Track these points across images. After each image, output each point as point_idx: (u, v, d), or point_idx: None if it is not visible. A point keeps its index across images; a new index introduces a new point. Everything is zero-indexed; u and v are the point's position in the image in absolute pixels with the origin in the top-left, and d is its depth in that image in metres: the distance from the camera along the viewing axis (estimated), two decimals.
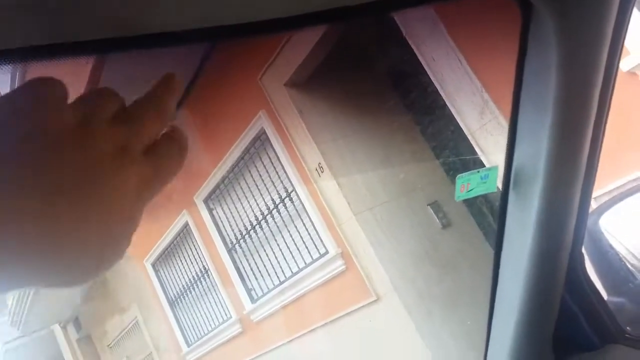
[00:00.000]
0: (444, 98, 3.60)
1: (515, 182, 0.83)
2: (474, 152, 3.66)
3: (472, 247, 4.55)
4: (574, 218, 0.82)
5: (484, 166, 3.67)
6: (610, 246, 0.95)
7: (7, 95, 0.28)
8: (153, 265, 6.94)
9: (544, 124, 0.73)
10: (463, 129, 3.57)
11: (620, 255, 0.94)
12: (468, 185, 0.84)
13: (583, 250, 0.90)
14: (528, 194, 0.81)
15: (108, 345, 9.34)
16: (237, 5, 0.48)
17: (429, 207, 4.61)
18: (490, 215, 4.49)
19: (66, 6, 0.39)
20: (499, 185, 0.88)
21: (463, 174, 0.83)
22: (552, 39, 0.67)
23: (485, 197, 4.38)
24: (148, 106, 0.35)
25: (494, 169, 0.86)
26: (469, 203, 4.62)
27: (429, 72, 3.62)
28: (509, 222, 0.88)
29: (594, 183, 0.83)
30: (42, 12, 0.38)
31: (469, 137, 3.55)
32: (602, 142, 0.79)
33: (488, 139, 3.42)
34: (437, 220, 4.59)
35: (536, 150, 0.76)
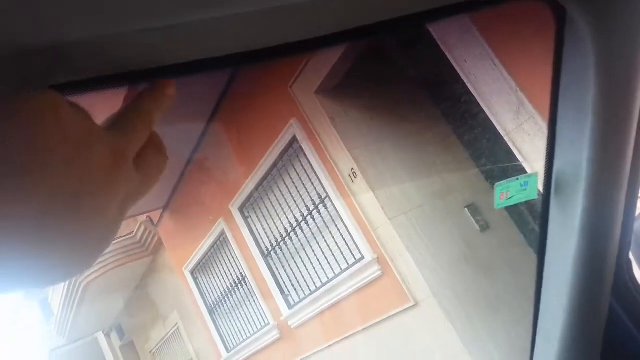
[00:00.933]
0: (478, 100, 3.55)
1: (557, 188, 0.82)
2: (511, 153, 3.59)
3: (512, 250, 4.46)
4: (619, 223, 0.80)
5: (521, 168, 3.60)
6: None
7: (11, 104, 0.28)
8: (192, 272, 7.07)
9: (583, 128, 0.72)
10: (499, 129, 3.51)
11: None
12: (507, 192, 0.83)
13: (630, 256, 0.88)
14: (571, 200, 0.80)
15: (150, 352, 9.55)
16: (266, 31, 0.50)
17: (466, 209, 4.55)
18: (530, 217, 4.40)
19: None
20: (540, 190, 0.87)
21: (502, 181, 0.82)
22: (588, 43, 0.67)
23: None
24: (138, 114, 0.36)
25: (534, 176, 0.85)
26: (508, 205, 4.53)
27: (461, 75, 3.58)
28: (552, 228, 0.86)
29: (639, 187, 0.81)
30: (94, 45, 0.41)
31: (505, 138, 3.49)
32: None
33: (525, 139, 3.36)
34: (475, 223, 4.51)
35: (577, 156, 0.75)
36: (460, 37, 3.56)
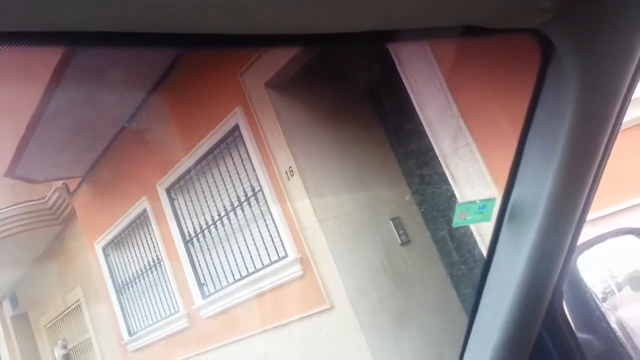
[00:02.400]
0: (420, 119, 3.67)
1: (510, 216, 0.86)
2: (444, 175, 3.74)
3: (428, 266, 4.64)
4: (562, 257, 0.85)
5: (450, 190, 3.76)
6: (586, 286, 0.99)
7: None
8: (104, 249, 6.74)
9: (550, 165, 0.76)
10: (436, 151, 3.65)
11: (594, 296, 0.99)
12: (466, 213, 0.87)
13: (563, 289, 0.94)
14: (522, 229, 0.84)
15: (45, 326, 8.99)
16: (232, 14, 0.49)
17: (390, 222, 4.67)
18: (448, 237, 4.59)
19: None
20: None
21: (463, 202, 0.86)
22: (571, 82, 0.70)
23: (445, 219, 4.48)
24: None
25: (492, 200, 0.88)
26: (430, 223, 4.71)
27: (409, 92, 3.68)
28: (499, 253, 0.91)
29: (583, 225, 0.87)
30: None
31: (440, 159, 3.63)
32: (597, 186, 0.83)
33: (459, 164, 3.51)
34: (397, 236, 4.65)
35: (538, 189, 0.79)
36: (413, 54, 3.66)
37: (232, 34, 0.50)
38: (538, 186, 0.79)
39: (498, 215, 0.89)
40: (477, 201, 0.88)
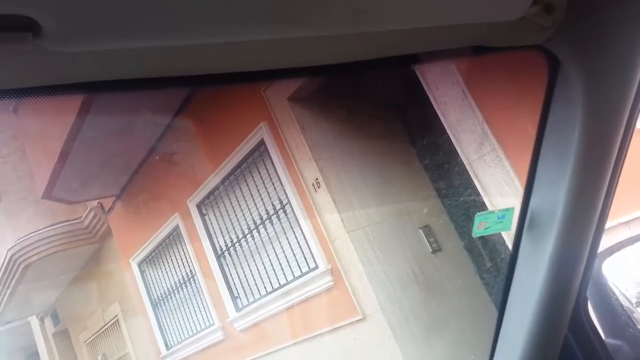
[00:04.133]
0: (445, 127, 3.67)
1: (530, 224, 0.88)
2: (470, 181, 3.73)
3: (460, 274, 4.60)
4: (584, 262, 0.87)
5: (478, 197, 3.73)
6: (612, 292, 1.00)
7: None
8: (139, 265, 6.90)
9: (564, 173, 0.78)
10: (462, 158, 3.64)
11: (621, 302, 0.99)
12: (486, 223, 0.89)
13: (587, 294, 0.95)
14: (542, 237, 0.86)
15: (85, 342, 9.22)
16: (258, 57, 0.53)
17: (420, 230, 4.66)
18: (480, 244, 4.55)
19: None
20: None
21: (481, 212, 0.88)
22: (578, 94, 0.73)
23: None
24: None
25: (511, 210, 0.90)
26: (461, 231, 4.68)
27: (432, 100, 3.69)
28: (521, 261, 0.92)
29: (604, 231, 0.88)
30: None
31: (467, 167, 3.62)
32: (615, 192, 0.84)
33: (485, 170, 3.49)
34: (428, 245, 4.63)
35: (554, 197, 0.81)
36: (435, 65, 3.67)
37: (240, 71, 0.54)
38: (554, 194, 0.81)
39: (518, 224, 0.91)
40: (496, 211, 0.90)
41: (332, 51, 0.59)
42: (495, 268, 4.44)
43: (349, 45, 0.58)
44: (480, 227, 0.89)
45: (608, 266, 1.04)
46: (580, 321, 0.96)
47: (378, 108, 4.58)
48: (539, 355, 0.94)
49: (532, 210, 0.87)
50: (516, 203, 0.94)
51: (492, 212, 0.89)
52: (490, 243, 4.37)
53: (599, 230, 0.85)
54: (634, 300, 1.04)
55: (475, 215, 0.88)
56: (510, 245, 3.60)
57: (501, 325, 1.02)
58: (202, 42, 0.46)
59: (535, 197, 0.87)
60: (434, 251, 4.62)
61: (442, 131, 3.75)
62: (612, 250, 1.04)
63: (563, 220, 0.80)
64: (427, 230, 4.68)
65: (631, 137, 0.78)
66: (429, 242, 4.65)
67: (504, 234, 3.62)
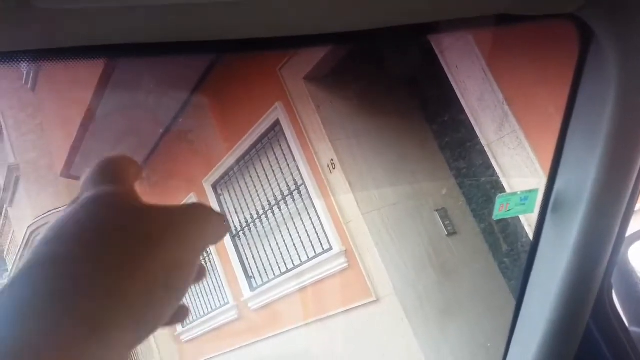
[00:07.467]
0: (464, 107, 3.59)
1: (554, 206, 0.84)
2: (489, 163, 3.66)
3: (475, 258, 4.56)
4: (610, 247, 0.82)
5: (497, 179, 3.67)
6: (639, 278, 0.95)
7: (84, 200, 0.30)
8: None
9: (593, 153, 0.73)
10: (480, 139, 3.56)
11: None
12: (507, 205, 0.85)
13: (612, 281, 0.91)
14: (567, 219, 0.82)
15: None
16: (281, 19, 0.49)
17: (436, 213, 4.61)
18: (497, 228, 4.49)
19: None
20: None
21: (503, 194, 0.84)
22: (611, 68, 0.68)
23: (492, 209, 4.38)
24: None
25: (534, 191, 0.86)
26: (477, 214, 4.62)
27: (451, 80, 3.61)
28: (543, 244, 0.88)
29: (632, 215, 0.83)
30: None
31: (486, 148, 3.54)
32: None
33: (505, 152, 3.42)
34: (443, 227, 4.59)
35: (582, 177, 0.77)
36: (454, 42, 3.58)
37: (261, 37, 0.50)
38: (582, 175, 0.77)
39: (541, 206, 0.87)
40: (519, 192, 0.86)
41: (346, 19, 0.55)
42: (514, 252, 4.38)
43: (364, 12, 0.54)
44: (501, 209, 0.85)
45: (635, 252, 1.00)
46: (603, 308, 0.91)
47: (394, 86, 4.50)
48: (559, 342, 0.90)
49: (557, 191, 0.83)
50: (536, 186, 0.89)
51: (515, 193, 0.85)
52: (509, 227, 4.31)
53: (628, 213, 0.80)
54: None
55: (497, 197, 0.83)
56: (528, 229, 3.54)
57: (520, 311, 0.98)
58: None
59: (561, 178, 0.82)
60: (450, 234, 4.58)
61: (460, 110, 3.68)
62: (638, 236, 0.99)
63: (590, 203, 0.76)
64: (443, 212, 4.63)
65: None
66: (444, 225, 4.60)
67: (522, 218, 3.56)
